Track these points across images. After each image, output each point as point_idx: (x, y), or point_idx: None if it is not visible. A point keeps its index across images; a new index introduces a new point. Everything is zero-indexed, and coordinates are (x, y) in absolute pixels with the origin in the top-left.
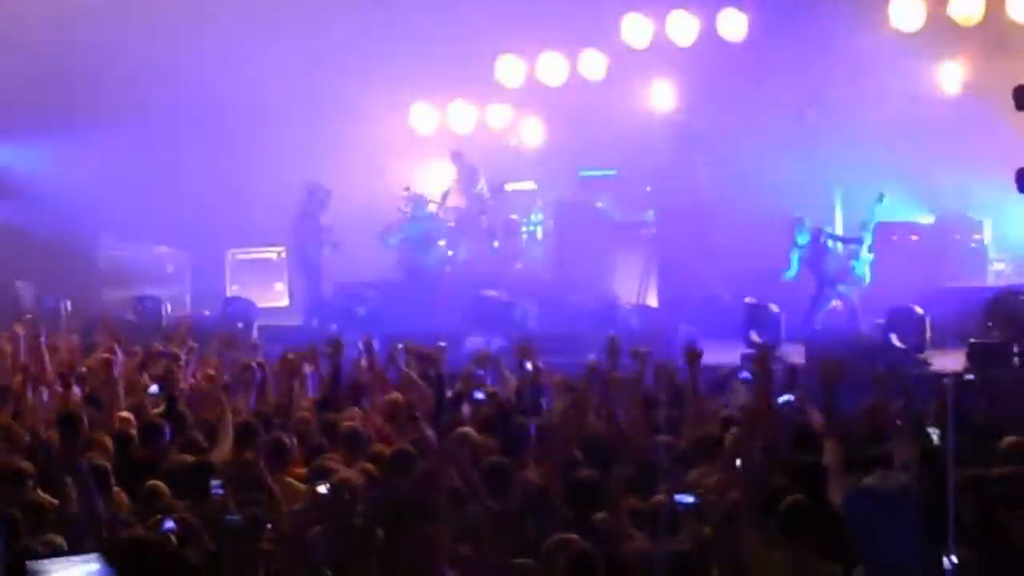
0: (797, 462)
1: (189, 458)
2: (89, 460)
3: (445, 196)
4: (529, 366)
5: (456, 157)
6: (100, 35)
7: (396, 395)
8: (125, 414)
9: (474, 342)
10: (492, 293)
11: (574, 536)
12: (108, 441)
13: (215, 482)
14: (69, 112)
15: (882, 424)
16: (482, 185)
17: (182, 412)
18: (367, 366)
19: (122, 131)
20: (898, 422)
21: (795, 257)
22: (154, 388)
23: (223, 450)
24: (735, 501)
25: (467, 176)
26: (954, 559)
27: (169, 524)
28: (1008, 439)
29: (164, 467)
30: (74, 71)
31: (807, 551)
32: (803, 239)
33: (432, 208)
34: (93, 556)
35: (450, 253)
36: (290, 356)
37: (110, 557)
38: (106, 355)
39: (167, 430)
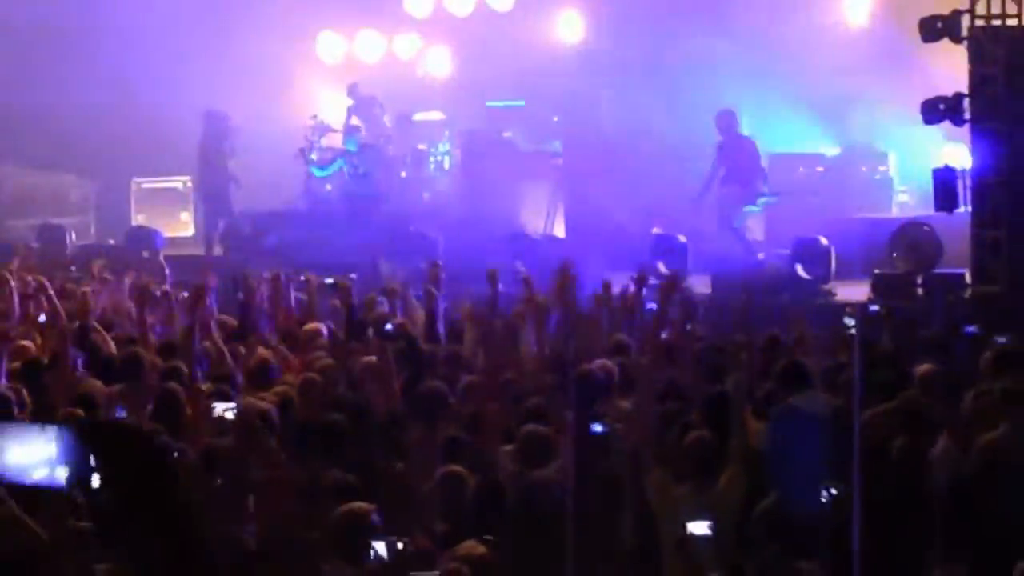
0: (705, 394)
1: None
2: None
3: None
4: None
5: (352, 89)
6: None
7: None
8: (26, 343)
9: (385, 268)
10: (400, 222)
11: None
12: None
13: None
14: None
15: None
16: (380, 114)
17: (95, 341)
18: (272, 298)
19: (26, 58)
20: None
21: None
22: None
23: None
24: (641, 434)
25: (365, 107)
26: (833, 491)
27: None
28: (921, 367)
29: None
30: None
31: (711, 487)
32: None
33: (339, 138)
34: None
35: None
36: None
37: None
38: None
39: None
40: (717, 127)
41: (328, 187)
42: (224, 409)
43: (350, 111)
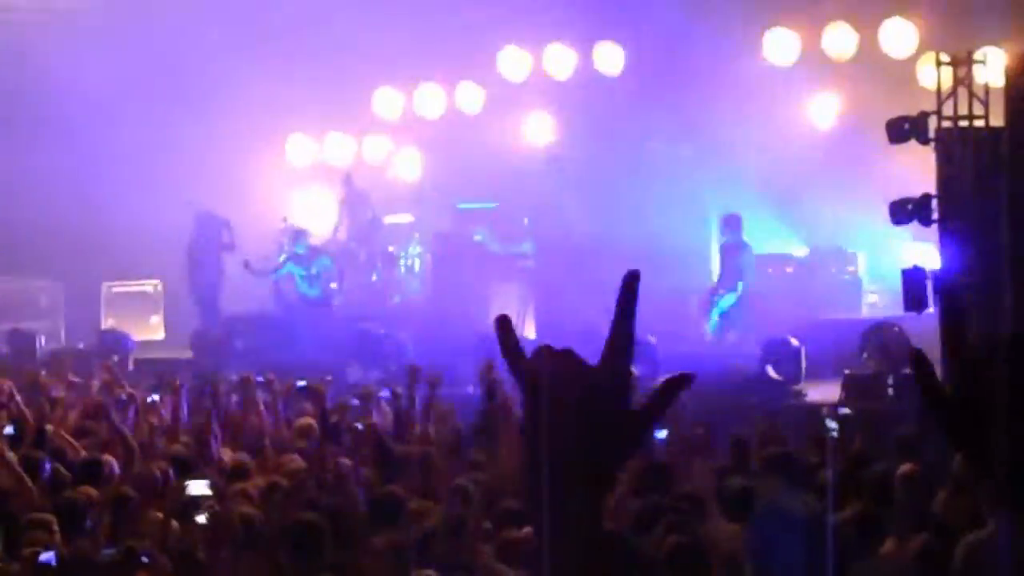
0: (674, 494)
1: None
2: None
3: (336, 229)
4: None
5: (346, 181)
6: None
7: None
8: None
9: (354, 374)
10: (370, 326)
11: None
12: None
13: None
14: None
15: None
16: (365, 211)
17: (58, 446)
18: (244, 403)
19: None
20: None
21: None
22: (9, 429)
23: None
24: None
25: (356, 201)
26: None
27: (47, 556)
28: (903, 468)
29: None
30: None
31: None
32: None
33: (313, 241)
34: None
35: (332, 286)
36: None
37: None
38: None
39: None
40: (722, 230)
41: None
42: (195, 488)
43: (341, 203)
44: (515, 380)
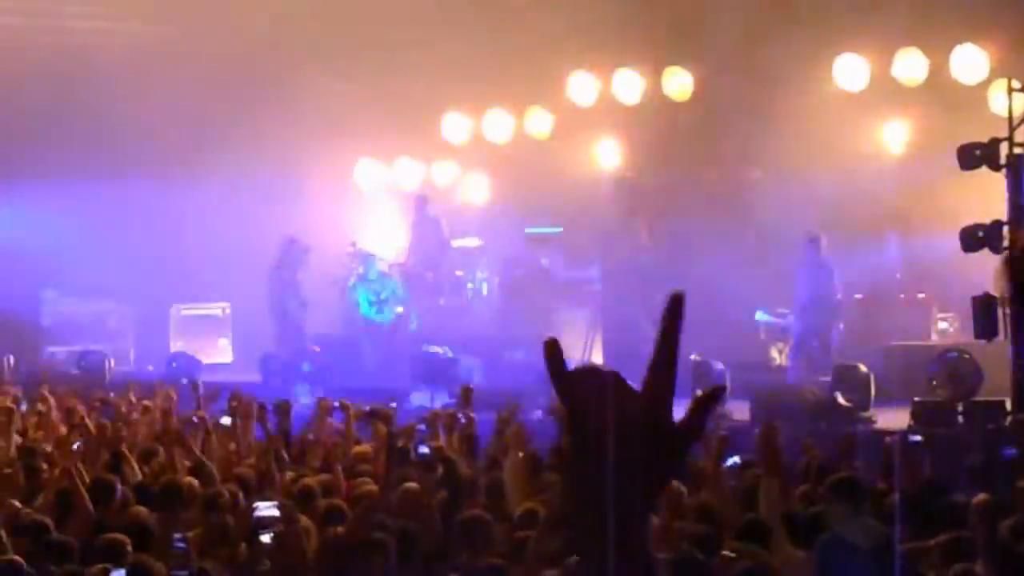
0: (744, 521)
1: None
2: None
3: (407, 253)
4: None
5: (419, 205)
6: (41, 91)
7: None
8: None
9: (418, 398)
10: (436, 349)
11: None
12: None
13: (177, 536)
14: (11, 169)
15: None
16: (437, 238)
17: (128, 468)
18: (319, 424)
19: (67, 186)
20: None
21: None
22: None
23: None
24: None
25: (427, 225)
26: None
27: (118, 574)
28: (978, 498)
29: (119, 523)
30: (14, 129)
31: None
32: None
33: (382, 266)
34: None
35: (399, 310)
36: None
37: None
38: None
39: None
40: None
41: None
42: (264, 510)
43: (412, 226)
44: (562, 403)
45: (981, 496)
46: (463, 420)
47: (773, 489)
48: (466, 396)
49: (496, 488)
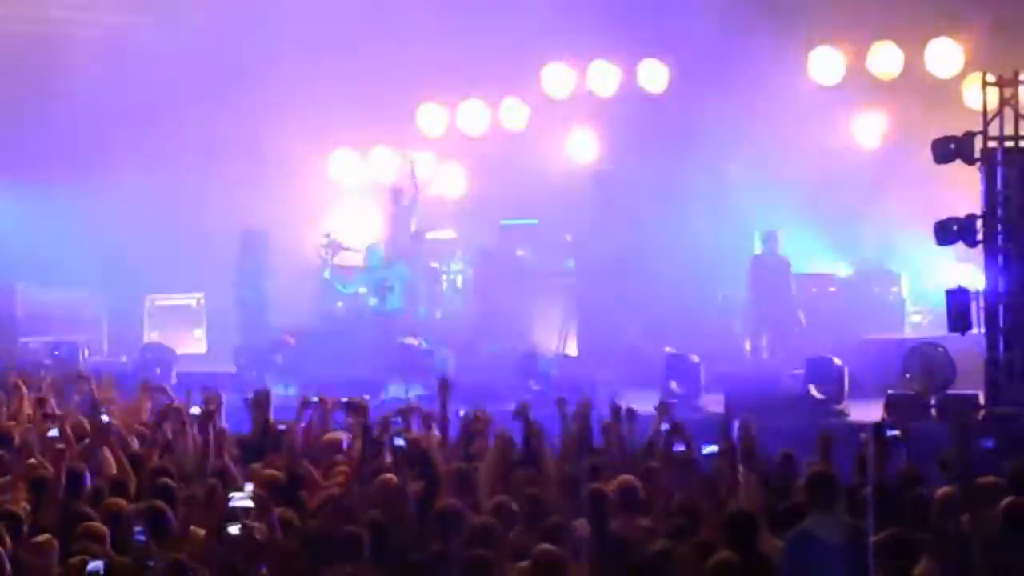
0: (728, 513)
1: (119, 503)
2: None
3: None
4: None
5: (394, 196)
6: (12, 82)
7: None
8: (39, 459)
9: (395, 389)
10: (411, 341)
11: None
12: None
13: (137, 528)
14: None
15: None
16: (414, 226)
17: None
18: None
19: (40, 177)
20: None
21: None
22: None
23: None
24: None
25: (400, 216)
26: None
27: (95, 565)
28: (940, 491)
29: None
30: None
31: None
32: None
33: (354, 257)
34: None
35: (372, 302)
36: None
37: None
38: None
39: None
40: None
41: (339, 304)
42: (239, 501)
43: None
44: None
45: (944, 489)
46: (438, 414)
47: (752, 482)
48: (444, 389)
49: (469, 480)
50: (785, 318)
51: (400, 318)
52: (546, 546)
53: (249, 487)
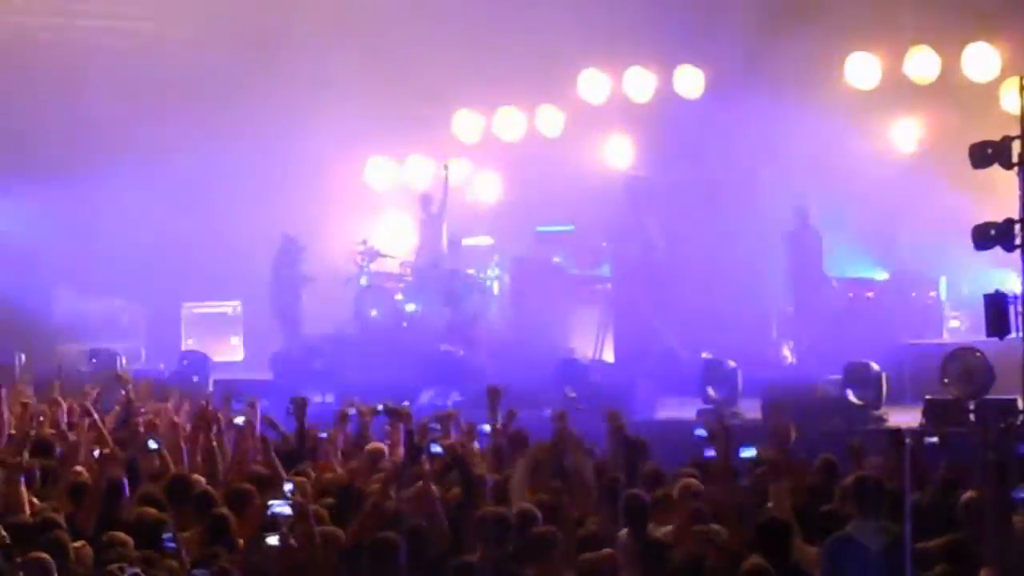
0: (761, 519)
1: (151, 511)
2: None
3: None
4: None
5: (424, 201)
6: (49, 92)
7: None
8: (80, 468)
9: (431, 395)
10: (448, 348)
11: None
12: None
13: (166, 535)
14: (23, 167)
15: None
16: (446, 233)
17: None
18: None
19: (77, 185)
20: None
21: None
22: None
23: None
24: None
25: (431, 224)
26: None
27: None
28: (966, 495)
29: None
30: (25, 127)
31: None
32: None
33: (391, 264)
34: None
35: (410, 308)
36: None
37: None
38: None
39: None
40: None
41: (374, 312)
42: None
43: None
44: None
45: (968, 494)
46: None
47: (783, 490)
48: (493, 397)
49: (504, 488)
50: (819, 291)
51: (438, 324)
52: (590, 555)
53: (288, 487)
